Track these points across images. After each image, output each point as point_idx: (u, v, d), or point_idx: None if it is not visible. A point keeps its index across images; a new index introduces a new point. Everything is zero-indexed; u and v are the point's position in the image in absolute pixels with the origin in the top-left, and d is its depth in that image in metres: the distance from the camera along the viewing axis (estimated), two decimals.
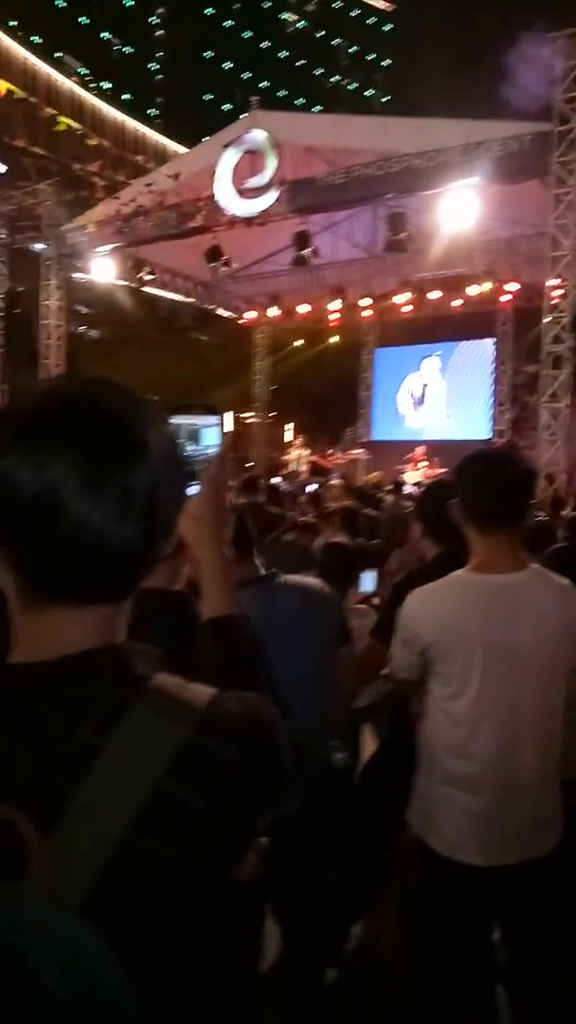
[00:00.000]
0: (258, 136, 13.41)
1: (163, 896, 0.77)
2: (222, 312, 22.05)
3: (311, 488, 9.06)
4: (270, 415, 24.02)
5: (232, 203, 13.74)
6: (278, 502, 7.80)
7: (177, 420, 1.18)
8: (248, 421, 27.71)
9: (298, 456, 17.12)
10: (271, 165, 13.35)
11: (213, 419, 1.21)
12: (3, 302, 17.99)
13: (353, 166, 12.72)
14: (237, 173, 13.80)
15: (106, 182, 15.45)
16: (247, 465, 31.48)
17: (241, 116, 15.02)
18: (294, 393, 27.29)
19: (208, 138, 15.60)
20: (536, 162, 11.17)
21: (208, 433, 1.19)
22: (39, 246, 16.78)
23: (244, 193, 13.68)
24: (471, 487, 1.93)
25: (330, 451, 19.11)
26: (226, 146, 13.90)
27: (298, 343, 24.74)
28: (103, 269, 16.63)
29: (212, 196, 13.92)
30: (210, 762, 0.79)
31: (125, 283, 17.46)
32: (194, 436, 1.18)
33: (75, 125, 16.51)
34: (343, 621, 2.37)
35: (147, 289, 18.20)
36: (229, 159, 13.81)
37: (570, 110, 10.87)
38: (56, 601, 0.83)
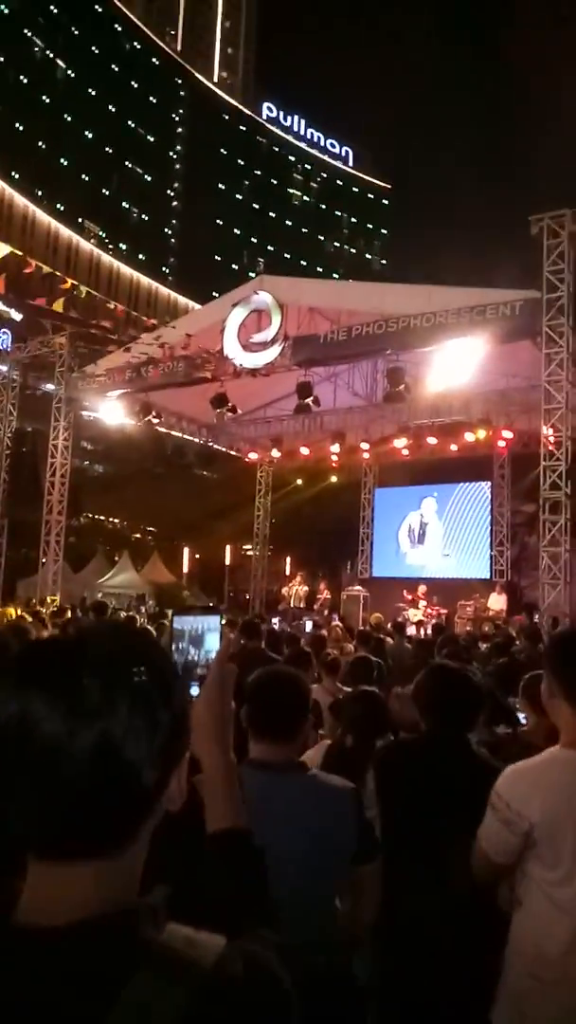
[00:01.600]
0: (265, 298, 14.36)
1: None
2: (226, 451, 22.73)
3: (309, 628, 8.90)
4: (269, 548, 24.17)
5: (238, 356, 14.49)
6: (277, 646, 7.64)
7: (179, 624, 1.20)
8: (248, 554, 27.93)
9: (296, 592, 17.00)
10: (276, 322, 14.20)
11: (214, 620, 1.21)
12: (11, 441, 18.56)
13: (354, 325, 13.52)
14: (244, 329, 14.66)
15: (118, 336, 16.34)
16: (246, 597, 31.46)
17: (250, 274, 16.19)
18: (294, 529, 27.61)
19: (218, 296, 16.71)
20: (527, 325, 11.89)
21: (210, 636, 1.18)
22: (49, 386, 17.53)
23: (249, 347, 14.46)
24: (569, 664, 1.91)
25: (322, 588, 19.03)
26: (235, 305, 14.85)
27: (299, 482, 25.32)
28: (112, 411, 17.28)
29: (220, 349, 14.69)
30: None
31: (133, 424, 18.05)
32: (196, 640, 1.17)
33: (94, 292, 17.93)
34: (365, 829, 2.01)
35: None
36: (237, 316, 14.72)
37: (556, 280, 11.70)
38: (46, 856, 0.79)
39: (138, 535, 35.98)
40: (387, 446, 19.70)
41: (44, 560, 18.03)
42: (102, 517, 36.93)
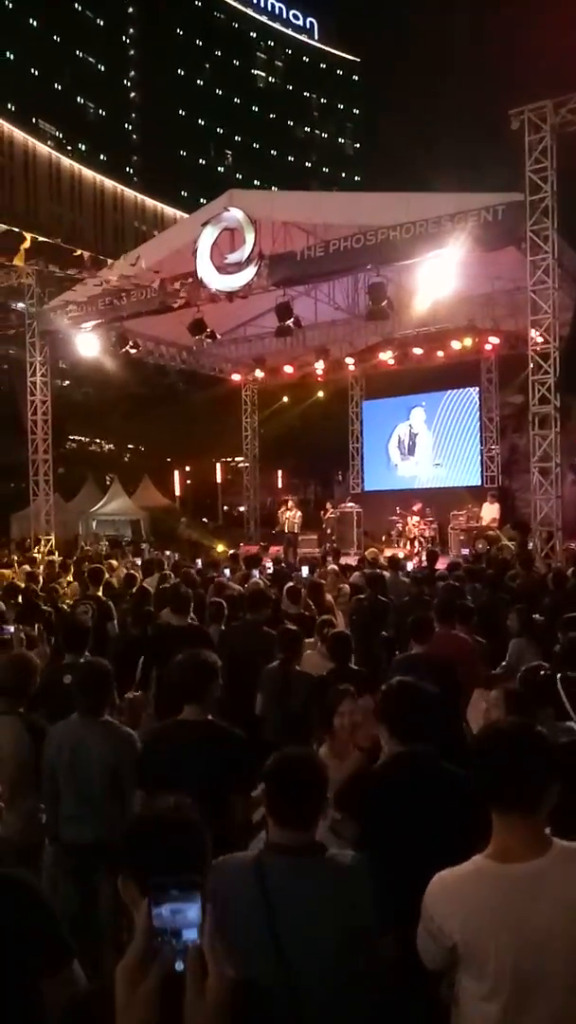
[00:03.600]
0: (236, 215, 13.67)
1: None
2: (209, 373, 22.27)
3: (305, 573, 8.98)
4: (260, 466, 24.11)
5: (213, 279, 13.93)
6: (281, 582, 7.73)
7: (157, 911, 1.04)
8: (239, 466, 27.86)
9: (290, 517, 17.05)
10: (249, 240, 13.58)
11: (195, 901, 1.05)
12: None
13: (332, 240, 12.93)
14: (217, 249, 14.02)
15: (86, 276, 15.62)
16: (239, 509, 31.63)
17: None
18: (284, 446, 27.46)
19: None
20: (510, 230, 11.39)
21: (189, 917, 1.04)
22: (20, 305, 16.75)
23: (224, 269, 13.88)
24: (485, 770, 1.82)
25: (327, 508, 19.06)
26: (205, 224, 14.15)
27: (285, 399, 24.95)
28: (87, 344, 16.75)
29: (194, 272, 14.11)
30: None
31: (113, 357, 17.57)
32: (176, 932, 1.03)
33: (55, 242, 16.86)
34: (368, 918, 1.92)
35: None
36: (208, 236, 14.05)
37: (539, 180, 11.12)
38: None
39: (127, 458, 35.73)
40: (372, 358, 19.30)
41: (35, 498, 17.95)
42: (87, 439, 36.54)
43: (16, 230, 13.73)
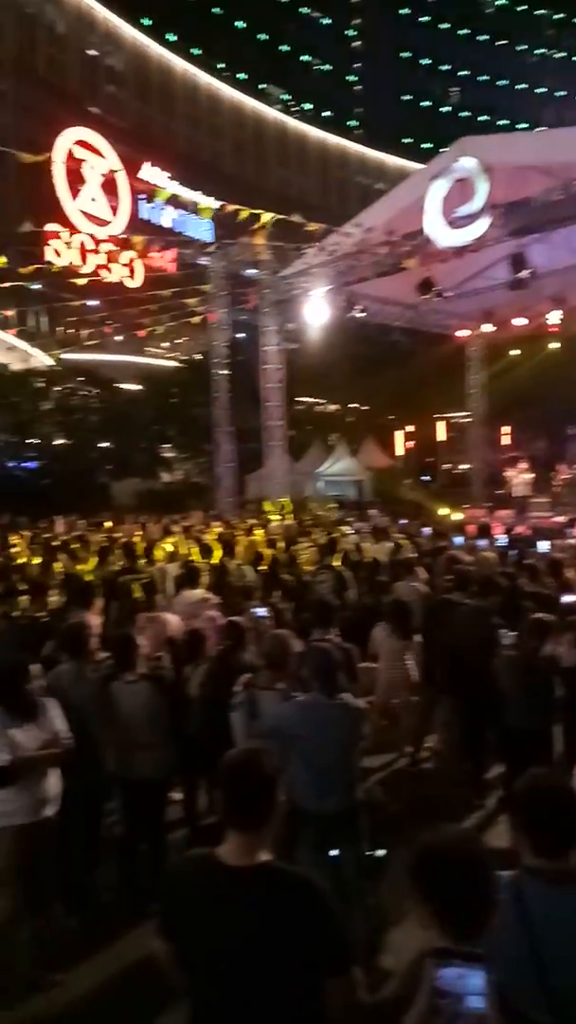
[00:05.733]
0: (467, 163, 13.01)
1: None
2: (434, 331, 21.76)
3: (545, 548, 8.56)
4: (485, 425, 23.21)
5: (443, 235, 13.47)
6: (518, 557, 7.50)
7: (442, 972, 1.13)
8: (463, 422, 27.02)
9: (519, 480, 16.29)
10: (482, 191, 12.87)
11: (480, 970, 1.13)
12: (227, 350, 19.25)
13: (573, 180, 11.90)
14: (447, 203, 13.51)
15: (322, 227, 15.76)
16: (461, 467, 30.74)
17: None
18: (511, 404, 26.14)
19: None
20: None
21: (474, 984, 1.12)
22: (253, 271, 17.40)
23: (455, 223, 13.35)
24: None
25: (556, 471, 17.96)
26: (434, 178, 13.67)
27: (514, 352, 23.67)
28: (316, 309, 17.12)
29: (421, 230, 13.76)
30: None
31: (337, 320, 17.82)
32: (459, 996, 1.12)
33: (292, 219, 17.17)
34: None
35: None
36: (438, 190, 13.55)
37: None
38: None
39: (351, 419, 36.22)
40: None
41: (268, 460, 18.93)
42: (313, 401, 37.50)
43: (257, 212, 14.15)
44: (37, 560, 8.63)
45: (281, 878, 1.84)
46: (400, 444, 32.06)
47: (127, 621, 5.67)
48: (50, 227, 24.63)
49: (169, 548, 9.04)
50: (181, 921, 1.86)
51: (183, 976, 1.87)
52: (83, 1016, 3.54)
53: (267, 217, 14.38)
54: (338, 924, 1.82)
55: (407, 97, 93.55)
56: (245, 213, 14.17)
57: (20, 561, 8.91)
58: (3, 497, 22.52)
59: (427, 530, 11.72)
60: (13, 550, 10.48)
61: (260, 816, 1.87)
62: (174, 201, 34.87)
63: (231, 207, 14.21)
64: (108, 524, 15.09)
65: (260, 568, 7.53)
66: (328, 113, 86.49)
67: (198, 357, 33.46)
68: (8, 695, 3.62)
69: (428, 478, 32.37)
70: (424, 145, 72.34)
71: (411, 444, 33.02)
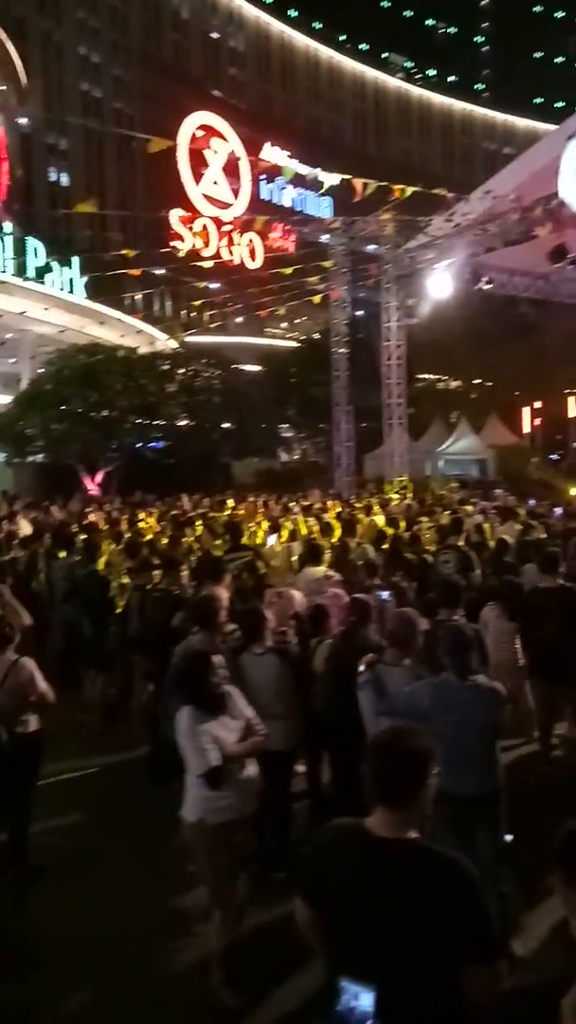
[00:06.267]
0: None
1: None
2: (565, 301, 20.62)
3: None
4: None
5: None
6: None
7: None
8: None
9: None
10: None
11: None
12: (347, 328, 19.11)
13: None
14: None
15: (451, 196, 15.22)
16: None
17: None
18: None
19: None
20: None
21: None
22: (372, 247, 17.09)
23: None
24: None
25: None
26: (570, 137, 12.88)
27: None
28: (440, 283, 16.65)
29: (554, 195, 13.04)
30: None
31: (462, 293, 17.26)
32: None
33: (422, 189, 16.45)
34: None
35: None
36: (575, 151, 12.78)
37: None
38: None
39: (474, 395, 35.15)
40: None
41: (388, 438, 18.72)
42: (434, 377, 36.64)
43: (385, 184, 13.84)
44: (166, 536, 8.98)
45: (431, 856, 1.83)
46: (527, 421, 30.82)
47: (254, 596, 5.79)
48: (174, 213, 25.33)
49: (290, 526, 9.15)
50: (327, 888, 1.88)
51: (322, 942, 1.90)
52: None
53: (401, 190, 13.98)
54: (486, 911, 1.78)
55: (539, 55, 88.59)
56: (372, 186, 13.90)
57: (150, 537, 9.28)
58: (132, 476, 23.58)
59: (558, 511, 11.21)
60: (143, 525, 10.95)
61: (408, 794, 1.86)
62: (294, 180, 34.87)
63: (357, 180, 13.96)
64: (230, 503, 15.46)
65: (382, 547, 7.47)
66: (453, 78, 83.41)
67: (316, 336, 33.47)
68: (197, 690, 3.48)
69: (557, 457, 30.94)
70: (557, 104, 68.42)
71: (538, 421, 31.67)
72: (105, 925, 4.07)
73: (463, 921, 1.73)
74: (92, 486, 24.22)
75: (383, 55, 79.52)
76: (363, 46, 77.35)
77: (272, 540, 8.78)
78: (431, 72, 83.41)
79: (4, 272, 23.66)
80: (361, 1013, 1.32)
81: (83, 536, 8.37)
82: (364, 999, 1.31)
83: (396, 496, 15.29)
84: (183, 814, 3.51)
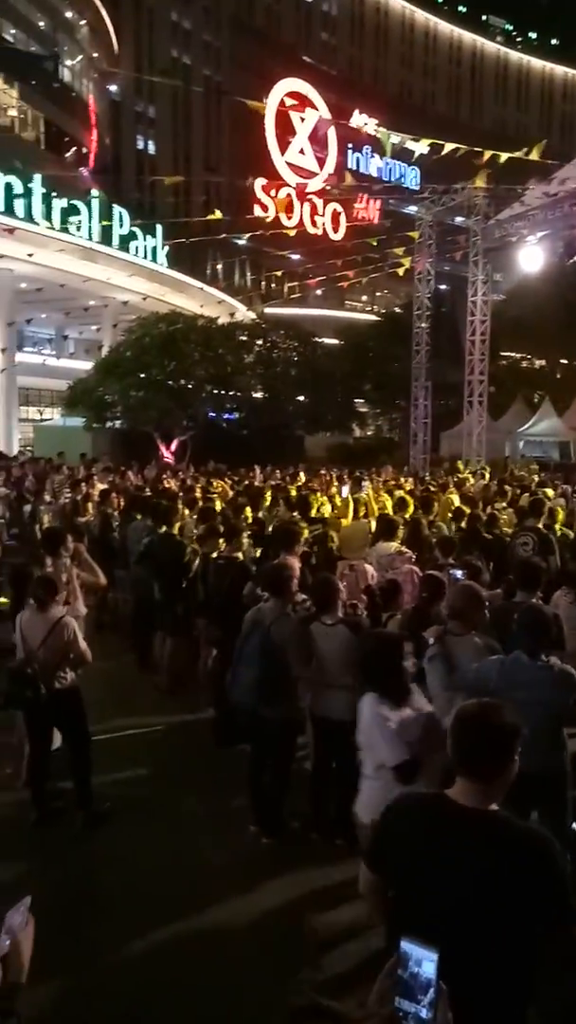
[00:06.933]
0: None
1: None
2: None
3: None
4: None
5: None
6: None
7: None
8: None
9: None
10: None
11: None
12: (430, 302, 18.64)
13: None
14: None
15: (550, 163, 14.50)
16: None
17: None
18: None
19: None
20: None
21: None
22: (459, 218, 16.55)
23: None
24: None
25: None
26: None
27: None
28: (531, 257, 16.04)
29: None
30: None
31: (553, 267, 16.58)
32: None
33: (518, 156, 15.51)
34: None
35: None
36: None
37: None
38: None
39: (559, 376, 33.91)
40: None
41: (467, 416, 18.29)
42: (519, 356, 35.50)
43: (476, 149, 13.28)
44: (239, 505, 9.03)
45: (515, 828, 1.82)
46: None
47: (325, 568, 5.77)
48: (258, 182, 25.12)
49: (364, 499, 9.05)
50: (398, 854, 1.88)
51: (385, 908, 1.90)
52: (268, 928, 3.75)
53: (495, 155, 13.40)
54: (567, 886, 1.77)
55: None
56: (463, 150, 13.40)
57: (220, 505, 9.35)
58: (206, 446, 23.81)
59: None
60: (214, 495, 11.04)
61: (495, 768, 1.84)
62: (381, 148, 34.06)
63: (448, 145, 13.49)
64: (302, 476, 15.43)
65: (460, 526, 7.31)
66: (555, 41, 79.37)
67: (397, 310, 32.80)
68: (385, 676, 3.15)
69: None
70: None
71: None
72: (167, 872, 4.19)
73: (545, 893, 1.73)
74: (167, 454, 24.60)
75: (483, 18, 76.41)
76: (461, 8, 74.49)
77: (345, 492, 8.85)
78: (532, 35, 79.66)
79: (90, 239, 24.06)
80: (425, 979, 1.32)
81: (159, 501, 8.51)
82: (427, 966, 1.33)
83: (471, 477, 14.95)
84: (357, 812, 3.25)
